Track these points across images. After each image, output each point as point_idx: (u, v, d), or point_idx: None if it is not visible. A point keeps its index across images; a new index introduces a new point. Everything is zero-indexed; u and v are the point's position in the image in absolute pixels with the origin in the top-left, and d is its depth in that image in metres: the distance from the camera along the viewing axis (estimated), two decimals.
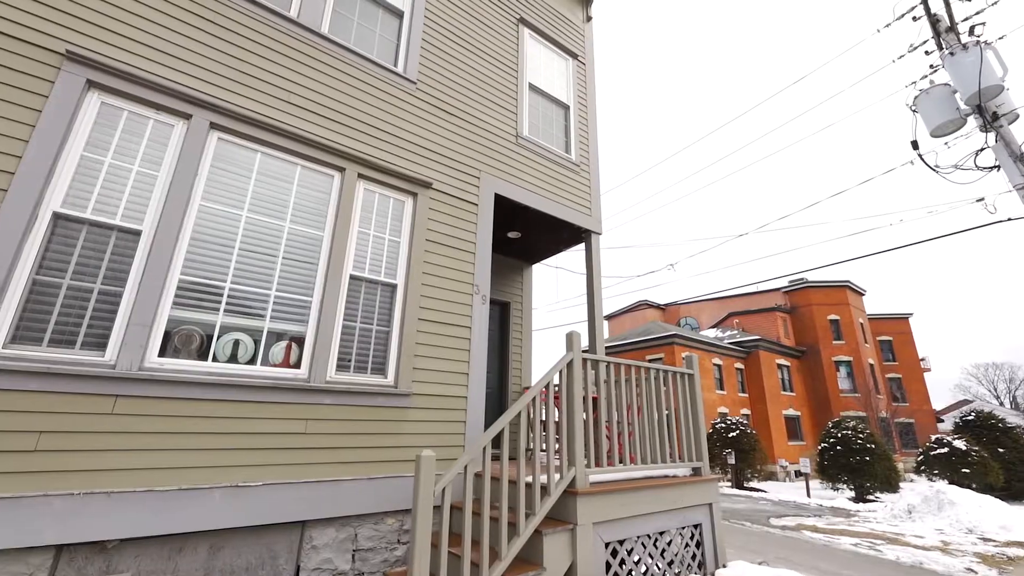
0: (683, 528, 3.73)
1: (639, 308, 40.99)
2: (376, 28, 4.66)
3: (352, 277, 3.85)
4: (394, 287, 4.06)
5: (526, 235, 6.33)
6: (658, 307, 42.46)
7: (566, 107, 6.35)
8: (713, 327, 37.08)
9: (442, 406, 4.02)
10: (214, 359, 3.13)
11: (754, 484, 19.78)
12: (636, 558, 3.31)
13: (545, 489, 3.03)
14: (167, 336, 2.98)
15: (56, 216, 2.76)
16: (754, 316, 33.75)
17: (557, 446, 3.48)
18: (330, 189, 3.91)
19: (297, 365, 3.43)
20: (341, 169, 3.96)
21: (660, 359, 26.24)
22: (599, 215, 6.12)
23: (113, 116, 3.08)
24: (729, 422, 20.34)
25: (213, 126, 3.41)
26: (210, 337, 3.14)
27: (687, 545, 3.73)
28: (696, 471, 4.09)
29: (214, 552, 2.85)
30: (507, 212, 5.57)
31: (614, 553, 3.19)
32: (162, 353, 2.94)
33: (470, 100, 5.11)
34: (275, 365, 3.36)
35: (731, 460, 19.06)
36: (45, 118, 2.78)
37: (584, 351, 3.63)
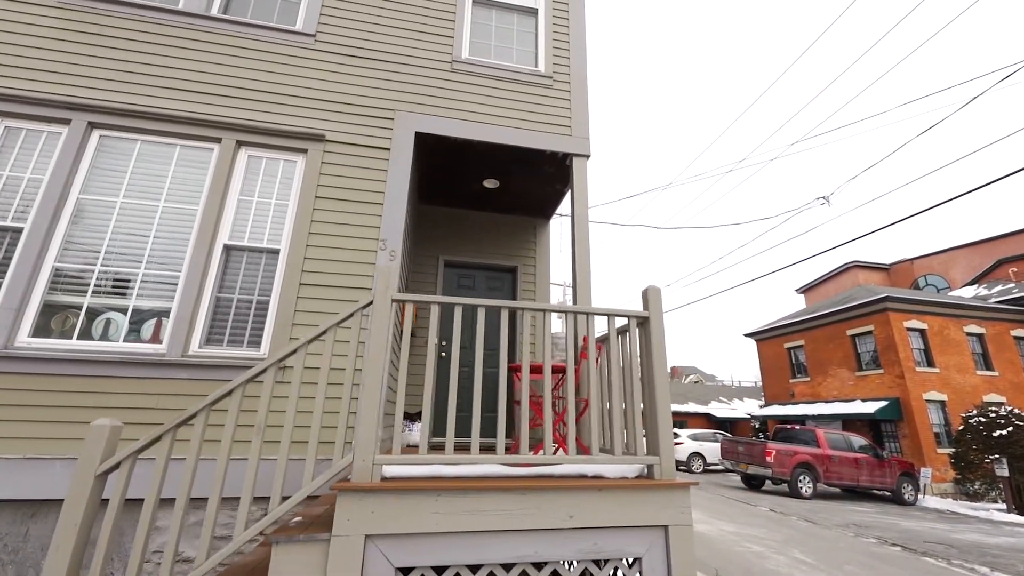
0: (598, 562, 2.29)
1: (846, 271, 32.18)
2: None
3: (229, 247, 3.66)
4: (277, 252, 3.71)
5: (507, 181, 5.27)
6: (876, 268, 32.59)
7: (533, 11, 5.07)
8: (971, 283, 26.30)
9: (330, 380, 3.45)
10: (88, 338, 3.29)
11: None
12: None
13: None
14: (44, 318, 3.25)
15: None
16: None
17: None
18: (209, 162, 3.81)
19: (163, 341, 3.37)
20: (217, 140, 3.83)
21: (869, 332, 19.74)
22: (585, 132, 4.65)
23: (12, 136, 3.57)
24: (992, 415, 13.77)
25: (93, 125, 3.66)
26: (82, 318, 3.31)
27: None
28: (648, 471, 2.52)
29: None
30: (464, 156, 4.69)
31: None
32: (38, 335, 3.22)
33: (383, 38, 4.47)
34: (146, 342, 3.37)
35: (1002, 471, 12.83)
36: None
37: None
